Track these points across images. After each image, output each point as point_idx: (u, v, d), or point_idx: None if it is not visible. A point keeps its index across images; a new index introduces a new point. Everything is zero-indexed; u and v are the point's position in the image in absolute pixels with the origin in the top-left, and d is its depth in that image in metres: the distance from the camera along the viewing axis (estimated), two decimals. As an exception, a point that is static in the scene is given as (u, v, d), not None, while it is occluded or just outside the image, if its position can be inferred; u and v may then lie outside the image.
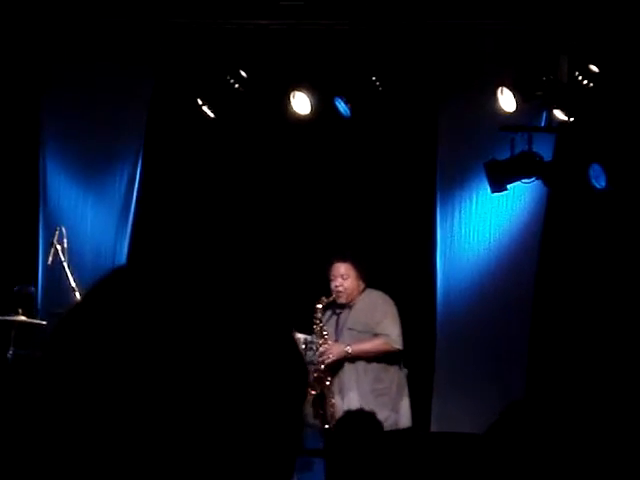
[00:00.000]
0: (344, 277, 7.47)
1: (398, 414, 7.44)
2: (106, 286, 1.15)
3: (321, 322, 7.53)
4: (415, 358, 7.96)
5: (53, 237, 8.40)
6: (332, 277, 7.51)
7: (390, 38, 8.73)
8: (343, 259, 7.50)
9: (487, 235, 9.16)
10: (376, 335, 7.43)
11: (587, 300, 8.84)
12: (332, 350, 7.44)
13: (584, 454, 2.66)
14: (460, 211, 9.21)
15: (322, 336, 7.52)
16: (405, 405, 7.53)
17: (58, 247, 8.34)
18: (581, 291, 8.88)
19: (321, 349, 7.49)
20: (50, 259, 8.36)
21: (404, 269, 9.15)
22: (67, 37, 9.05)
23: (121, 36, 9.08)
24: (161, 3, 8.90)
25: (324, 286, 7.60)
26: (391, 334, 7.40)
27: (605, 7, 8.29)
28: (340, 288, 7.46)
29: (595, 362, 8.68)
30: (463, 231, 9.21)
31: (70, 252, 8.34)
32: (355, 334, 7.48)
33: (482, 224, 9.17)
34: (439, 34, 8.78)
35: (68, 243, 8.36)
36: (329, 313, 7.62)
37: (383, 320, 7.44)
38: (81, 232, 9.25)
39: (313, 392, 7.50)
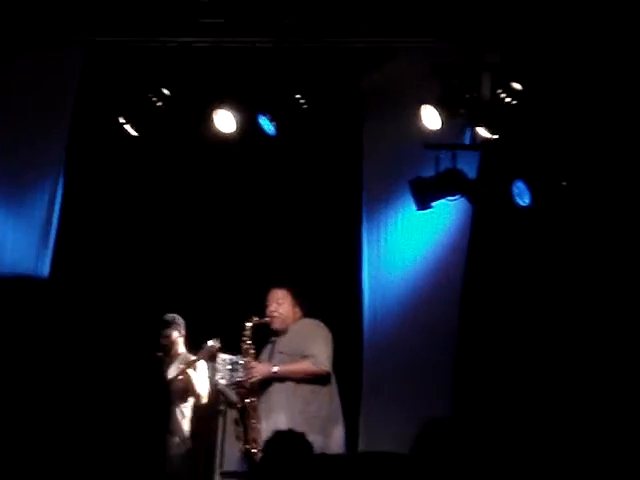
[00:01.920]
0: (279, 302, 7.52)
1: (329, 439, 7.38)
2: None
3: (250, 340, 7.49)
4: (342, 378, 7.90)
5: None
6: (268, 302, 7.55)
7: (314, 55, 8.70)
8: (279, 285, 7.54)
9: (413, 253, 9.15)
10: (304, 357, 7.38)
11: (512, 317, 8.90)
12: (258, 369, 7.40)
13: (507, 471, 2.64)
14: (386, 229, 9.19)
15: (249, 354, 7.47)
16: (338, 432, 7.47)
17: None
18: (506, 308, 8.93)
19: (247, 367, 7.44)
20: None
21: (330, 289, 9.11)
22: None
23: (42, 52, 8.96)
24: (83, 20, 8.80)
25: (258, 309, 7.56)
26: (317, 355, 7.38)
27: (527, 24, 8.36)
28: (275, 313, 7.50)
29: (520, 379, 8.74)
30: (389, 249, 9.19)
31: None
32: (285, 357, 7.48)
33: (408, 242, 9.16)
34: (363, 51, 8.78)
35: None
36: (267, 344, 7.63)
37: (312, 343, 7.44)
38: (1, 250, 9.09)
39: (238, 406, 7.47)
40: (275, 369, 7.39)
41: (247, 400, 7.49)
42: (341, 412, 7.57)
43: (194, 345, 8.90)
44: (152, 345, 8.99)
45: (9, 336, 8.66)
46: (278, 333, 7.57)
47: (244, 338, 7.54)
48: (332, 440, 7.41)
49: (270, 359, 7.53)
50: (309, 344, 7.42)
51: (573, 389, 8.60)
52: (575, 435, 8.41)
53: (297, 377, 7.38)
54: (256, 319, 7.53)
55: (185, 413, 9.05)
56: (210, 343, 8.31)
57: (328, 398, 7.48)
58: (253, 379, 7.43)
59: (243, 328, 7.55)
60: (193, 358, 8.83)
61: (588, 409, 8.48)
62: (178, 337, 9.12)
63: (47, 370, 8.90)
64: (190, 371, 8.88)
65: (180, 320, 9.10)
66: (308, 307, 7.60)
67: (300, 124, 8.87)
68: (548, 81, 8.46)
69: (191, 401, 9.05)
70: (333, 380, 7.56)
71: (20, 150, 9.25)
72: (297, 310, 7.53)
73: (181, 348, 9.17)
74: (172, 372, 9.03)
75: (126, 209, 9.53)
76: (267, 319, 7.53)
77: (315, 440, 6.79)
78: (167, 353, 9.11)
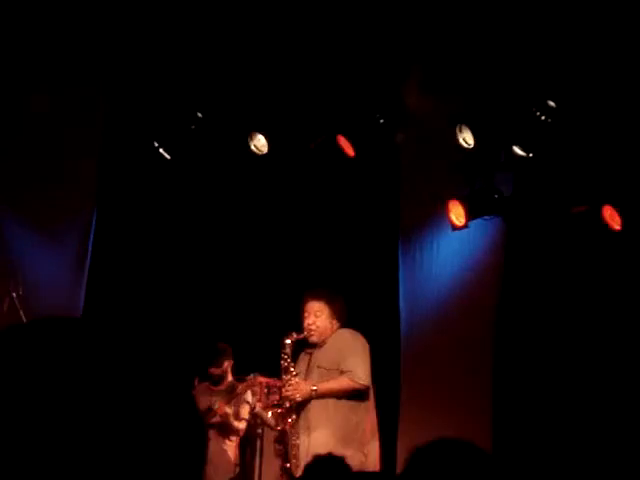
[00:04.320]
0: (317, 315, 7.33)
1: (367, 455, 7.33)
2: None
3: (289, 357, 7.40)
4: (380, 395, 7.86)
5: (8, 285, 8.26)
6: (305, 314, 7.37)
7: (347, 78, 8.71)
8: (317, 297, 7.37)
9: (448, 270, 9.13)
10: (342, 372, 7.33)
11: (547, 333, 8.87)
12: (299, 389, 7.33)
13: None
14: (421, 247, 9.18)
15: (289, 372, 7.39)
16: (373, 449, 7.42)
17: (13, 295, 8.20)
18: (541, 325, 8.90)
19: (288, 387, 7.37)
20: (5, 307, 8.20)
21: (369, 304, 9.09)
22: (18, 84, 8.94)
23: (71, 75, 8.99)
24: (114, 45, 8.81)
25: (296, 323, 7.49)
26: (355, 370, 7.29)
27: (560, 42, 8.34)
28: (312, 326, 7.33)
29: (558, 391, 8.70)
30: (425, 267, 9.17)
31: (25, 300, 8.19)
32: (324, 372, 7.35)
33: (443, 260, 9.14)
34: (397, 71, 8.79)
35: (23, 291, 8.21)
36: (302, 354, 7.50)
37: (350, 357, 7.32)
38: (37, 280, 9.06)
39: (278, 428, 7.41)
40: (315, 389, 7.31)
41: (288, 420, 7.42)
42: (377, 427, 7.51)
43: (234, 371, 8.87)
44: (190, 373, 8.88)
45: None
46: (315, 345, 7.47)
47: (284, 356, 7.40)
48: (370, 455, 7.36)
49: (308, 373, 7.42)
50: (347, 358, 7.32)
51: (611, 400, 8.55)
52: (614, 447, 8.35)
53: (337, 394, 7.32)
54: (295, 335, 7.41)
55: (228, 444, 8.91)
56: (252, 375, 8.29)
57: (367, 412, 7.41)
58: (294, 400, 7.35)
59: (282, 346, 7.41)
60: (238, 390, 8.69)
61: (626, 422, 8.43)
62: (228, 366, 8.99)
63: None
64: (227, 408, 8.72)
65: (229, 348, 8.98)
66: (346, 319, 7.49)
67: (335, 145, 8.87)
68: (582, 98, 8.43)
69: (232, 432, 8.89)
70: (372, 393, 7.49)
71: (51, 182, 9.24)
72: (335, 322, 7.41)
73: (229, 376, 9.04)
74: (221, 405, 8.80)
75: (160, 233, 9.52)
76: (305, 333, 7.41)
77: (353, 456, 6.79)
78: (218, 383, 8.97)
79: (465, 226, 8.63)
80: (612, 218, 8.42)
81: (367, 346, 7.40)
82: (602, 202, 8.41)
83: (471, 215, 8.60)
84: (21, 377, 1.11)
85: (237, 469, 8.87)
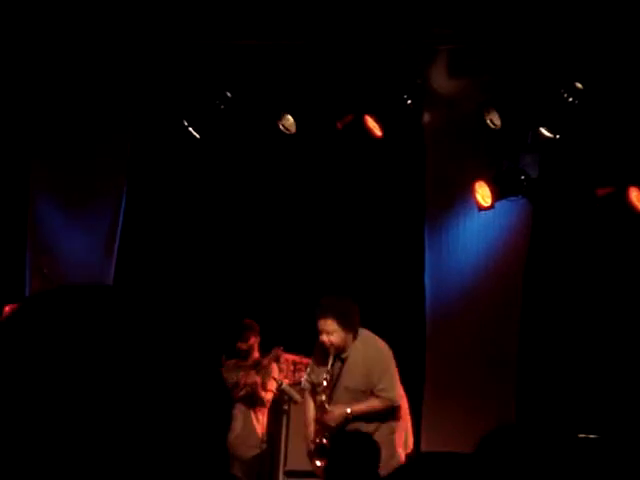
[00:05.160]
0: (329, 332, 7.19)
1: (397, 459, 7.25)
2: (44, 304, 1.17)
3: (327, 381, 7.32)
4: (405, 377, 7.90)
5: (41, 263, 8.38)
6: (319, 331, 7.27)
7: (375, 59, 8.75)
8: (325, 315, 7.21)
9: (474, 252, 9.13)
10: (373, 394, 7.27)
11: (573, 315, 8.87)
12: (334, 418, 7.25)
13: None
14: (447, 231, 9.18)
15: (323, 400, 7.31)
16: (402, 454, 7.37)
17: (45, 271, 8.33)
18: (568, 308, 8.90)
19: (324, 416, 7.30)
20: (37, 284, 8.34)
21: (394, 292, 9.12)
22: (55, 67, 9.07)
23: (105, 60, 9.09)
24: (142, 24, 8.89)
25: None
26: (389, 393, 7.25)
27: (587, 25, 8.33)
28: (328, 343, 7.21)
29: (584, 380, 8.71)
30: (451, 250, 9.18)
31: (56, 278, 8.31)
32: (352, 394, 7.30)
33: (470, 242, 9.15)
34: (423, 53, 8.82)
35: (55, 269, 8.34)
36: (330, 357, 7.32)
37: (381, 379, 7.25)
38: (68, 258, 9.20)
39: (319, 464, 7.30)
40: (349, 412, 7.22)
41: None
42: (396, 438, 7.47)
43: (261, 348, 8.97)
44: (220, 348, 8.96)
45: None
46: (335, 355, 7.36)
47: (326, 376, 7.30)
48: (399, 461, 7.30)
49: (333, 390, 7.32)
50: (375, 379, 7.24)
51: (634, 389, 8.55)
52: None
53: (370, 416, 7.31)
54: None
55: (255, 419, 9.03)
56: (276, 349, 8.39)
57: (399, 420, 7.42)
58: (331, 429, 7.23)
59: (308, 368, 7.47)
60: (264, 362, 8.81)
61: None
62: (255, 342, 9.06)
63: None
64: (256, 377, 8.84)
65: (256, 325, 9.06)
66: (359, 324, 7.42)
67: (362, 129, 8.91)
68: (610, 80, 8.42)
69: (259, 404, 9.00)
70: (404, 402, 7.48)
71: (83, 160, 9.36)
72: (349, 332, 7.22)
73: (256, 353, 9.15)
74: (248, 376, 8.92)
75: (189, 213, 9.61)
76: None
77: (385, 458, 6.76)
78: (245, 358, 9.03)
79: (491, 207, 8.66)
80: (638, 200, 8.42)
81: (390, 354, 7.33)
82: (628, 184, 8.41)
83: (497, 196, 8.63)
84: (48, 344, 1.11)
85: (264, 445, 8.98)
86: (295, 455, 8.33)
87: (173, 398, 1.13)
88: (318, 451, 7.30)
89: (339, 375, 7.36)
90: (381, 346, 7.37)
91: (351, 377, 7.32)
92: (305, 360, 8.27)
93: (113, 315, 1.15)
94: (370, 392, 7.26)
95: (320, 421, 7.32)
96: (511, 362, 8.93)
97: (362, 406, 7.24)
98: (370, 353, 7.32)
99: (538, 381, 8.91)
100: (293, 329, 8.30)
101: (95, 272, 9.33)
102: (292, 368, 8.94)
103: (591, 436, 6.46)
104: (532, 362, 8.95)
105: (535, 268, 8.99)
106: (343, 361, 7.31)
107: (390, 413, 7.32)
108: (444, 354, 9.10)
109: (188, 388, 1.14)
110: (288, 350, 8.62)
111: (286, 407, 8.79)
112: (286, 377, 8.84)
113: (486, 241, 9.09)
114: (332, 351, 7.24)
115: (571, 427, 8.16)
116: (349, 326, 7.24)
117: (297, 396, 8.01)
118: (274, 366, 8.83)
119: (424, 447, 8.84)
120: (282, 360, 8.81)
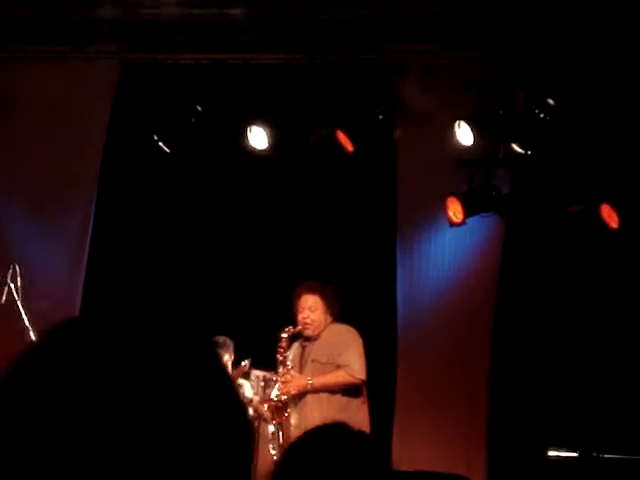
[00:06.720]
0: (312, 309, 7.37)
1: None
2: (56, 338, 1.17)
3: (285, 351, 7.44)
4: (376, 390, 7.87)
5: (6, 276, 8.25)
6: (299, 309, 7.40)
7: (346, 72, 8.73)
8: (310, 291, 7.39)
9: (446, 267, 9.13)
10: (338, 367, 7.34)
11: (547, 332, 8.88)
12: (294, 383, 7.36)
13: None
14: (419, 244, 9.17)
15: (285, 365, 7.41)
16: None
17: (12, 285, 8.19)
18: (540, 323, 8.91)
19: (282, 379, 7.40)
20: (3, 298, 8.20)
21: (366, 300, 9.09)
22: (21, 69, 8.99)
23: (76, 67, 9.02)
24: (115, 39, 8.85)
25: (289, 316, 7.51)
26: (353, 365, 7.32)
27: (560, 41, 8.35)
28: (307, 320, 7.36)
29: (557, 393, 8.72)
30: (422, 265, 9.17)
31: (23, 291, 8.18)
32: (318, 366, 7.39)
33: (441, 257, 9.14)
34: (396, 68, 8.80)
35: (21, 282, 8.20)
36: (296, 345, 7.53)
37: (345, 351, 7.35)
38: (35, 270, 9.06)
39: (274, 422, 7.42)
40: (311, 382, 7.34)
41: (284, 414, 7.44)
42: (369, 421, 7.51)
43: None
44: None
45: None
46: (309, 338, 7.49)
47: (280, 349, 7.44)
48: None
49: (302, 367, 7.46)
50: (343, 353, 7.35)
51: (609, 397, 8.56)
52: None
53: (333, 389, 7.33)
54: (291, 329, 7.44)
55: None
56: (243, 363, 8.29)
57: (359, 409, 7.43)
58: (289, 393, 7.38)
59: (278, 339, 7.43)
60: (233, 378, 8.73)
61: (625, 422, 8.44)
62: (228, 360, 8.94)
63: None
64: None
65: (230, 342, 8.93)
66: (339, 311, 7.51)
67: (334, 143, 8.87)
68: (581, 96, 8.44)
69: None
70: (364, 389, 7.51)
71: (52, 171, 9.25)
72: (328, 316, 7.44)
73: (229, 371, 8.96)
74: None
75: (159, 226, 9.54)
76: (300, 327, 7.44)
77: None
78: None
79: (463, 223, 8.65)
80: (610, 216, 8.44)
81: (361, 340, 7.43)
82: (600, 200, 8.43)
83: (469, 212, 8.61)
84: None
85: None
86: (262, 472, 8.28)
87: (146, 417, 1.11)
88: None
89: (310, 352, 7.45)
90: (352, 329, 7.49)
91: (318, 351, 7.42)
92: (275, 376, 8.20)
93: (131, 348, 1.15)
94: (336, 366, 7.32)
95: (280, 389, 7.39)
96: (483, 377, 8.93)
97: (324, 378, 7.30)
98: (338, 330, 7.45)
99: (510, 397, 8.90)
100: (261, 345, 8.22)
101: (64, 285, 9.23)
102: (262, 384, 8.84)
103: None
104: (504, 377, 8.95)
105: (507, 283, 9.00)
106: (316, 340, 7.43)
107: (353, 393, 7.31)
108: (415, 369, 9.09)
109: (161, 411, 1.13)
110: (257, 366, 8.51)
111: (255, 424, 8.71)
112: (256, 394, 8.75)
113: (458, 257, 9.08)
114: (309, 331, 7.30)
115: (543, 442, 8.18)
116: (330, 310, 7.39)
117: (267, 414, 7.93)
118: (247, 385, 8.73)
119: (395, 464, 8.79)
120: (252, 377, 8.71)
